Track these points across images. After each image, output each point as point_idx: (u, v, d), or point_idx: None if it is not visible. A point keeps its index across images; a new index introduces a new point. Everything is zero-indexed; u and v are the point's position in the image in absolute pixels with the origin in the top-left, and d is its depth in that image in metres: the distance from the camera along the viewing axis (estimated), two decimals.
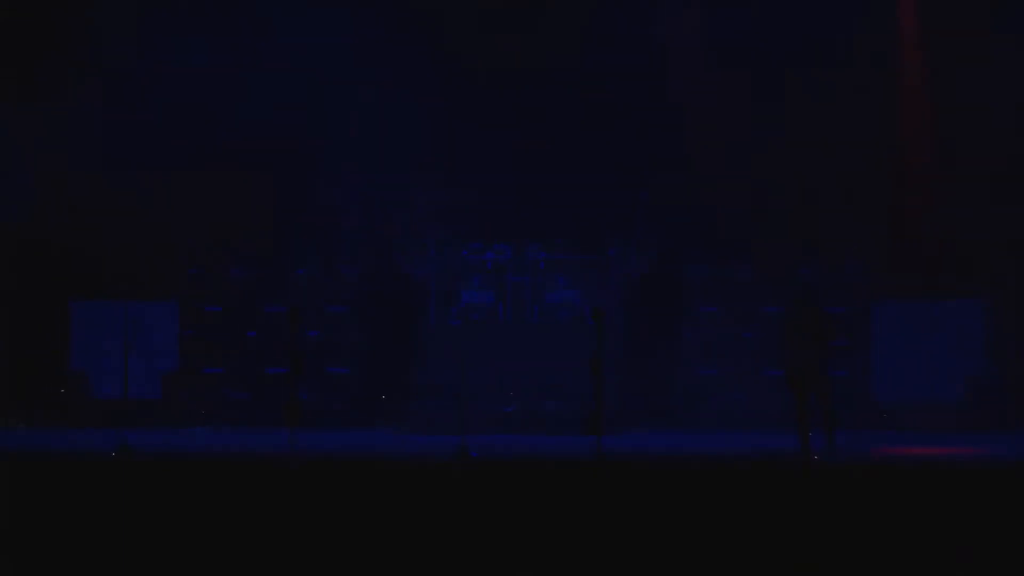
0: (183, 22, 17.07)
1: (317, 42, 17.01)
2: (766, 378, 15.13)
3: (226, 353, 16.94)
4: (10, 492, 10.93)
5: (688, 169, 16.74)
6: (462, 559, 9.54)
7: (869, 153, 16.68)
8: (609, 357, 15.69)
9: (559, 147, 17.17)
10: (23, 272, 16.78)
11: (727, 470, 12.44)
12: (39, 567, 8.99)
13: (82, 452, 13.34)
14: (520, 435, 15.44)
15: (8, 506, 10.52)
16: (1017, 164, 16.07)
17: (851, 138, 16.48)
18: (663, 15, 17.03)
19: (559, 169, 17.12)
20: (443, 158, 17.21)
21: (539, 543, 9.85)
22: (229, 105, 16.99)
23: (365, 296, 17.40)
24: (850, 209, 16.55)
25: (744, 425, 15.58)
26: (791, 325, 13.41)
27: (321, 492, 11.43)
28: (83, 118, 16.79)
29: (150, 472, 12.04)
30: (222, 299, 17.10)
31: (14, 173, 16.59)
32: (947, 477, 11.87)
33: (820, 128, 16.38)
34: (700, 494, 11.35)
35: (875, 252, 16.69)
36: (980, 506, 10.54)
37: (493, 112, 17.28)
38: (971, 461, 13.09)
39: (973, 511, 10.40)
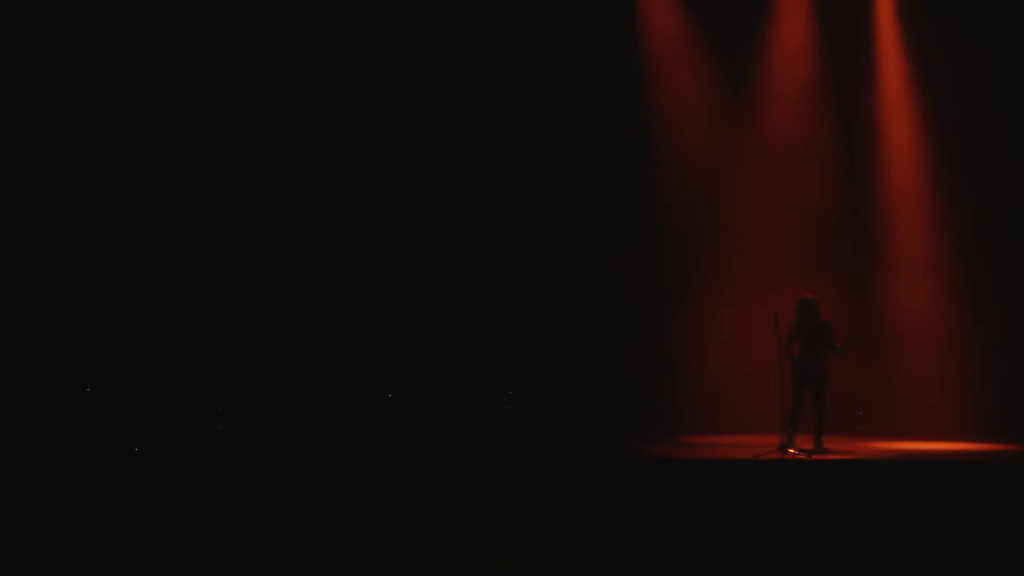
0: None
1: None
2: (760, 379, 15.42)
3: None
4: None
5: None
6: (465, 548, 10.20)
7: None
8: (613, 358, 16.43)
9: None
10: None
11: (721, 467, 12.84)
12: None
13: None
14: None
15: None
16: None
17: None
18: None
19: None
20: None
21: (538, 536, 10.48)
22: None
23: None
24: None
25: (738, 425, 15.92)
26: (795, 329, 14.26)
27: None
28: None
29: None
30: None
31: None
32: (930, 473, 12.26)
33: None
34: (694, 489, 11.70)
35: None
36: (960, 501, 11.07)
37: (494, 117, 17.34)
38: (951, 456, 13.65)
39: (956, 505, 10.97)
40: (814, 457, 13.37)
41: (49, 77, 15.52)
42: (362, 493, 11.55)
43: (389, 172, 16.83)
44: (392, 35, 16.73)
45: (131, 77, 15.95)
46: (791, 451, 13.56)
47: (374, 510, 11.05)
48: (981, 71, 16.04)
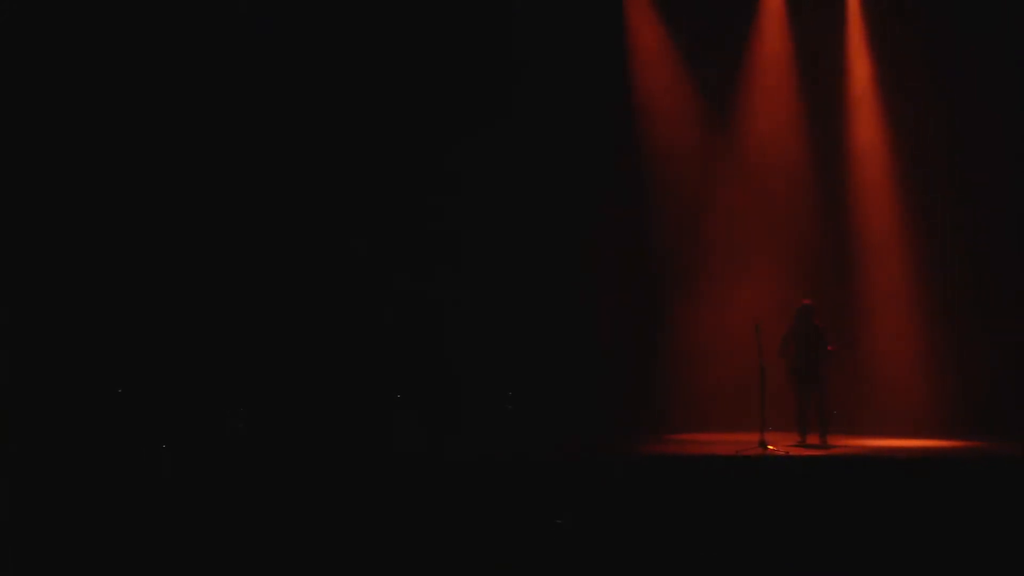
0: None
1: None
2: (741, 380, 15.73)
3: None
4: None
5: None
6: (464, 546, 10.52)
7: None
8: (599, 358, 16.63)
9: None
10: None
11: (720, 467, 13.12)
12: None
13: None
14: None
15: None
16: None
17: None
18: None
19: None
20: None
21: (537, 536, 10.64)
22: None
23: None
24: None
25: (734, 425, 16.16)
26: (793, 334, 14.78)
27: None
28: None
29: None
30: None
31: None
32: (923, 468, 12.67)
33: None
34: (694, 489, 12.00)
35: None
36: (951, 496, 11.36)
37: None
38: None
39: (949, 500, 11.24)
40: (791, 453, 13.80)
41: (49, 77, 15.58)
42: (360, 492, 11.85)
43: (388, 176, 17.03)
44: (376, 38, 16.87)
45: (132, 77, 16.02)
46: (770, 447, 13.97)
47: (373, 509, 11.31)
48: (958, 94, 16.42)
